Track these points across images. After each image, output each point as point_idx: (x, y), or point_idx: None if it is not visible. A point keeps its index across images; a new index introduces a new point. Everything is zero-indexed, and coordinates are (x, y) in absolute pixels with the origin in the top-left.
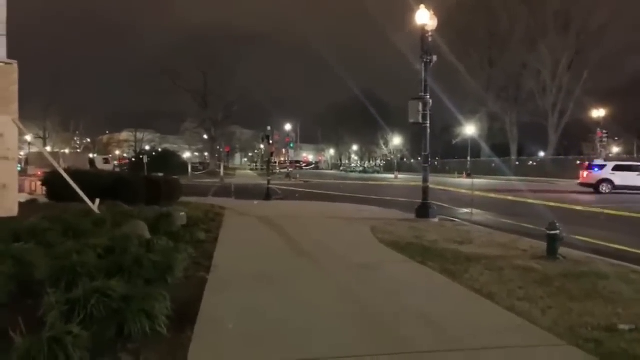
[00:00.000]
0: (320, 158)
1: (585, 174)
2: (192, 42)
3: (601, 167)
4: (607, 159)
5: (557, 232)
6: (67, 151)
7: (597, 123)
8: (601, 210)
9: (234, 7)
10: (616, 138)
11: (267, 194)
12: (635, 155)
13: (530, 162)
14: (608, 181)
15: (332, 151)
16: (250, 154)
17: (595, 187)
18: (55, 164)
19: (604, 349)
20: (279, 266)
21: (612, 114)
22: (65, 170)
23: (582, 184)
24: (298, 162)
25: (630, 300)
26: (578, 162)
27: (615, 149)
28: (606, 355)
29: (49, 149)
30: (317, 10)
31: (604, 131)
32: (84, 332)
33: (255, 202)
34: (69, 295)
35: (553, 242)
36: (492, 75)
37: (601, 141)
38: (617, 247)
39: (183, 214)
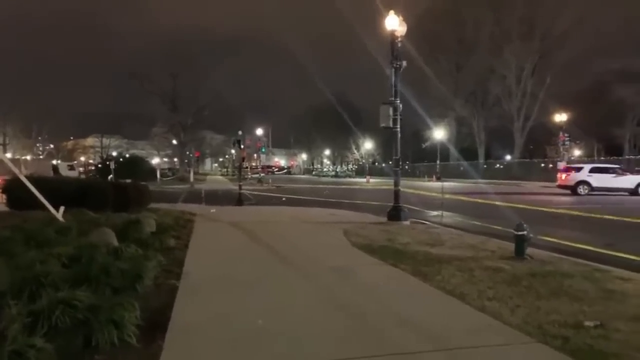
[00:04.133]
0: (292, 163)
1: (563, 176)
2: (166, 45)
3: (579, 169)
4: (569, 161)
5: (524, 232)
6: (28, 158)
7: (560, 127)
8: (567, 212)
9: (212, 11)
10: (577, 141)
11: (239, 200)
12: (595, 158)
13: (497, 165)
14: (585, 183)
15: (304, 156)
16: (221, 159)
17: (573, 188)
18: (16, 171)
19: (571, 345)
20: (252, 271)
21: (574, 118)
22: (27, 177)
23: (560, 186)
24: (270, 167)
25: (595, 297)
26: (542, 164)
27: (577, 152)
28: (573, 351)
29: (9, 155)
30: (294, 15)
31: (566, 135)
32: (48, 344)
33: (227, 207)
34: (32, 306)
35: (521, 243)
36: (459, 80)
37: (563, 144)
38: (581, 247)
39: (152, 220)
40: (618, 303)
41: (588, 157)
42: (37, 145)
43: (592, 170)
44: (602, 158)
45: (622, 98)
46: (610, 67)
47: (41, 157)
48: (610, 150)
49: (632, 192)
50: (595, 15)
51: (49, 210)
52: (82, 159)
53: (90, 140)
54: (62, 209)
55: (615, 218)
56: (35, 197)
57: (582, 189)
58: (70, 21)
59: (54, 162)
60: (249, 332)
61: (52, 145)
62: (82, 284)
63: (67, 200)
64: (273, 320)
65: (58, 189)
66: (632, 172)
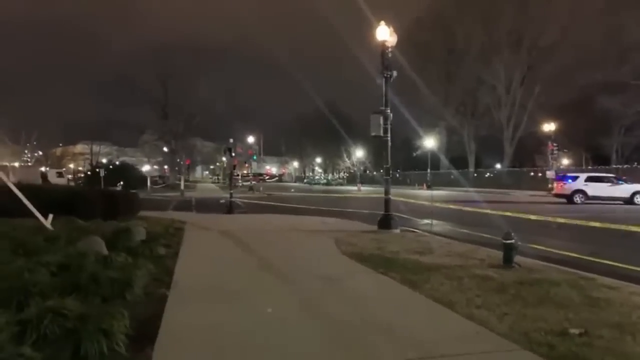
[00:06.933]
0: (283, 170)
1: (560, 185)
2: (156, 53)
3: (575, 178)
4: (558, 170)
5: (512, 241)
6: (16, 164)
7: (549, 136)
8: (554, 220)
9: (202, 19)
10: (565, 150)
11: (230, 208)
12: (584, 167)
13: (487, 174)
14: (581, 192)
15: (295, 163)
16: (212, 167)
17: (569, 197)
18: (4, 178)
19: (556, 353)
20: (241, 280)
21: (562, 128)
22: (15, 185)
23: (556, 195)
24: (261, 174)
25: (580, 305)
26: (532, 173)
27: (565, 161)
28: (558, 358)
29: None
30: (286, 24)
31: (555, 144)
32: (37, 353)
33: (218, 215)
34: (21, 315)
35: (509, 251)
36: (450, 90)
37: (552, 153)
38: (570, 255)
39: (142, 228)
40: (602, 310)
41: (576, 167)
42: (26, 151)
43: (588, 180)
44: (590, 167)
45: (608, 109)
46: (596, 79)
47: (29, 164)
48: (597, 160)
49: (627, 201)
50: (579, 29)
51: (37, 218)
52: (72, 166)
53: (79, 147)
54: (50, 217)
55: (610, 226)
56: (24, 205)
57: (578, 198)
58: (56, 27)
59: (43, 169)
60: (237, 342)
61: (40, 152)
62: (71, 293)
63: (56, 208)
64: (263, 330)
65: (47, 197)
66: (627, 181)
